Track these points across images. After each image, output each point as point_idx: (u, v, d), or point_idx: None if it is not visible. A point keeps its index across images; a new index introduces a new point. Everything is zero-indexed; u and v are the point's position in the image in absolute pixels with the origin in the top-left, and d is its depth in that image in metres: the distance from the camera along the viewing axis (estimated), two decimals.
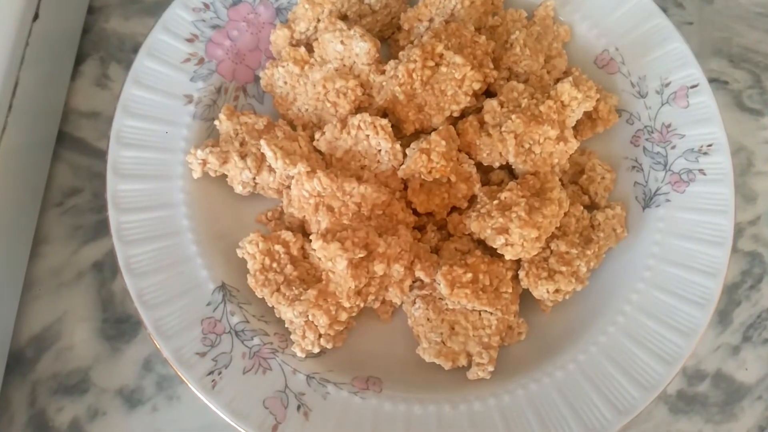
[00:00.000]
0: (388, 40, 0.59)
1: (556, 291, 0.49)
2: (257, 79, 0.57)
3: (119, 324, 0.54)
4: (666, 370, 0.47)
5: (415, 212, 0.53)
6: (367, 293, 0.48)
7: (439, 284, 0.48)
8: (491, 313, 0.49)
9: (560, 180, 0.54)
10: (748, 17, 0.67)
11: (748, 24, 0.66)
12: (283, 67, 0.54)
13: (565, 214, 0.51)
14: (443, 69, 0.51)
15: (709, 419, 0.55)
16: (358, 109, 0.54)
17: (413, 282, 0.50)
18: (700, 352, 0.56)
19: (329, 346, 0.48)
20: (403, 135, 0.54)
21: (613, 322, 0.49)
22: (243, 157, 0.51)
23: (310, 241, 0.47)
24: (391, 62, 0.53)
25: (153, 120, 0.52)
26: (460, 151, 0.52)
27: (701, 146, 0.53)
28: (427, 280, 0.49)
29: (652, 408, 0.54)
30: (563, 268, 0.49)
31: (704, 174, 0.52)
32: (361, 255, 0.46)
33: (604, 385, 0.47)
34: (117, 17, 0.63)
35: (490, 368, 0.48)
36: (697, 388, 0.56)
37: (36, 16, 0.53)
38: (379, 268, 0.47)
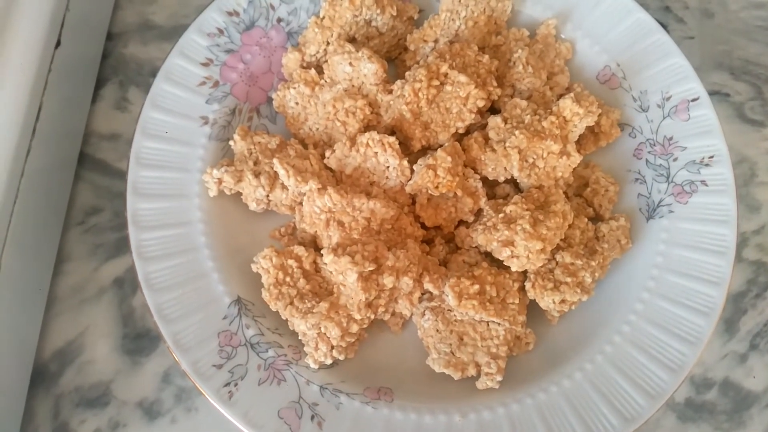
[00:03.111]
0: (395, 60, 0.61)
1: (562, 301, 0.51)
2: (270, 100, 0.59)
3: (139, 338, 0.56)
4: (672, 378, 0.48)
5: (423, 226, 0.54)
6: (377, 305, 0.49)
7: (447, 296, 0.50)
8: (499, 324, 0.51)
9: (565, 193, 0.55)
10: (748, 30, 0.68)
11: (749, 37, 0.68)
12: (295, 88, 0.56)
13: (570, 226, 0.53)
14: (448, 88, 0.53)
15: (718, 427, 0.55)
16: (366, 128, 0.56)
17: (422, 294, 0.52)
18: (707, 360, 0.57)
19: (341, 357, 0.49)
20: (411, 152, 0.55)
21: (619, 331, 0.51)
22: (257, 175, 0.53)
23: (322, 255, 0.49)
24: (398, 82, 0.55)
25: (171, 141, 0.54)
26: (465, 166, 0.54)
27: (703, 158, 0.54)
28: (435, 292, 0.51)
29: (660, 416, 0.55)
30: (568, 279, 0.50)
31: (706, 185, 0.53)
32: (371, 268, 0.47)
33: (611, 393, 0.48)
34: (135, 43, 0.66)
35: (499, 378, 0.49)
36: (705, 396, 0.56)
37: (58, 43, 0.56)
38: (388, 281, 0.48)
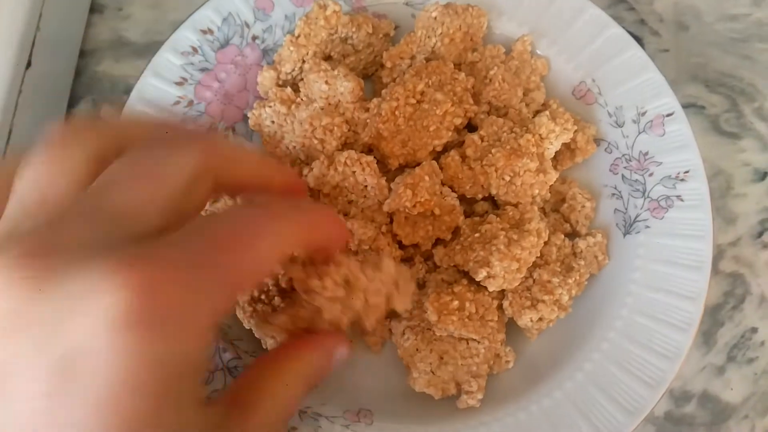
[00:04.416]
0: (372, 76, 0.61)
1: (540, 319, 0.51)
2: (246, 118, 0.58)
3: None
4: (650, 394, 0.48)
5: (401, 245, 0.54)
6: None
7: (427, 311, 0.50)
8: (479, 342, 0.51)
9: (542, 209, 0.56)
10: (723, 43, 0.69)
11: (723, 49, 0.68)
12: (271, 107, 0.55)
13: (547, 242, 0.53)
14: (425, 106, 0.53)
15: None
16: (344, 145, 0.55)
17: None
18: (685, 373, 0.58)
19: None
20: (388, 170, 0.55)
21: (598, 348, 0.51)
22: (234, 195, 0.52)
23: None
24: (375, 100, 0.54)
25: None
26: (443, 184, 0.53)
27: (678, 173, 0.54)
28: (402, 312, 0.50)
29: (640, 430, 0.55)
30: (546, 297, 0.50)
31: (682, 200, 0.53)
32: (341, 294, 0.46)
33: (590, 410, 0.48)
34: (108, 60, 0.65)
35: (479, 396, 0.49)
36: (684, 409, 0.57)
37: (29, 64, 0.55)
38: (357, 304, 0.47)
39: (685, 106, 0.56)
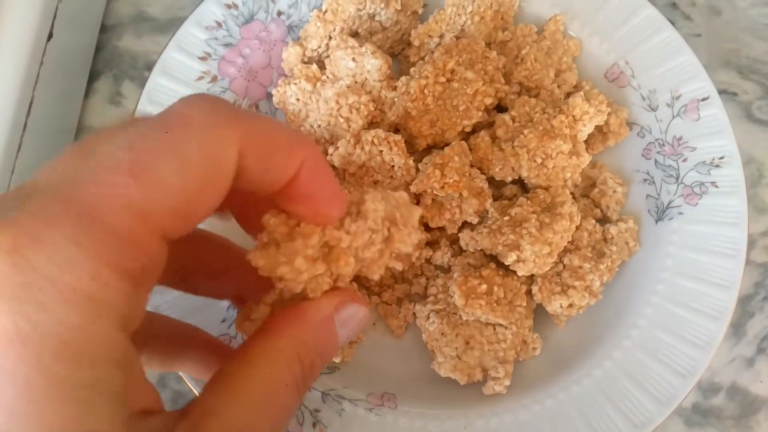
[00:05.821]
0: (398, 56, 0.60)
1: (570, 305, 0.49)
2: (269, 96, 0.57)
3: None
4: (682, 383, 0.47)
5: (426, 227, 0.53)
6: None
7: (453, 295, 0.48)
8: (506, 328, 0.49)
9: (572, 194, 0.54)
10: (756, 28, 0.67)
11: (757, 35, 0.67)
12: (296, 84, 0.54)
13: (578, 228, 0.51)
14: (455, 85, 0.52)
15: None
16: (370, 125, 0.54)
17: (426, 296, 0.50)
18: (714, 364, 0.56)
19: (338, 360, 0.48)
20: (415, 150, 0.54)
21: (628, 336, 0.49)
22: None
23: None
24: (403, 78, 0.53)
25: None
26: (472, 166, 0.52)
27: (713, 159, 0.53)
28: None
29: (667, 421, 0.54)
30: (576, 283, 0.49)
31: (716, 186, 0.52)
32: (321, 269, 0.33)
33: (620, 399, 0.47)
34: (129, 35, 0.64)
35: (507, 382, 0.48)
36: (712, 401, 0.55)
37: (50, 36, 0.54)
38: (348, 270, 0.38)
39: (718, 93, 0.54)
